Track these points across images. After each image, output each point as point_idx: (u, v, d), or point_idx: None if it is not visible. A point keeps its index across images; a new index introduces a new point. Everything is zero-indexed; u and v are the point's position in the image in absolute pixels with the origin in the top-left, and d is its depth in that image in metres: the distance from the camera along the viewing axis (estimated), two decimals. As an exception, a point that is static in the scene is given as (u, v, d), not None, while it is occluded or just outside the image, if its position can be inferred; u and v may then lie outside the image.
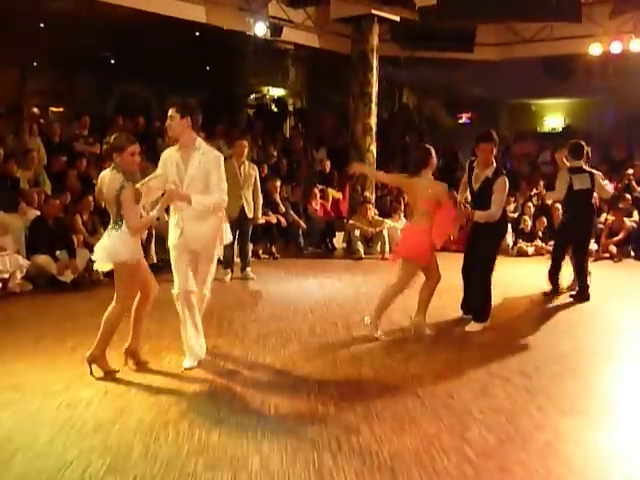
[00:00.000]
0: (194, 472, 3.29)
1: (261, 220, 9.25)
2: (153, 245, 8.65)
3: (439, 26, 9.86)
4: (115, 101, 15.26)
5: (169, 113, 4.85)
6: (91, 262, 7.83)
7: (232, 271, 8.51)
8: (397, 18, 11.10)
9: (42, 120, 11.17)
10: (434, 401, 4.29)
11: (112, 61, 15.73)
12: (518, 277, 9.05)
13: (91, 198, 8.25)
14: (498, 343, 5.78)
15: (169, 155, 4.93)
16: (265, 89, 19.00)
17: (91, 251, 7.90)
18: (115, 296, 4.71)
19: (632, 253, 10.80)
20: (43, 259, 7.73)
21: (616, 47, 11.46)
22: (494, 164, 6.07)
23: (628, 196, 11.54)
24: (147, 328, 5.15)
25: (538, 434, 3.80)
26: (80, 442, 3.62)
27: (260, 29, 10.64)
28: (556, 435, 3.79)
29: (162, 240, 8.85)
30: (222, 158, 4.94)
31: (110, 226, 4.71)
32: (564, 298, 7.60)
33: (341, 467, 3.36)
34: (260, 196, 8.58)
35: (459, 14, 8.59)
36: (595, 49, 11.72)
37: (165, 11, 10.11)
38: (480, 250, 6.19)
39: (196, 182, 4.80)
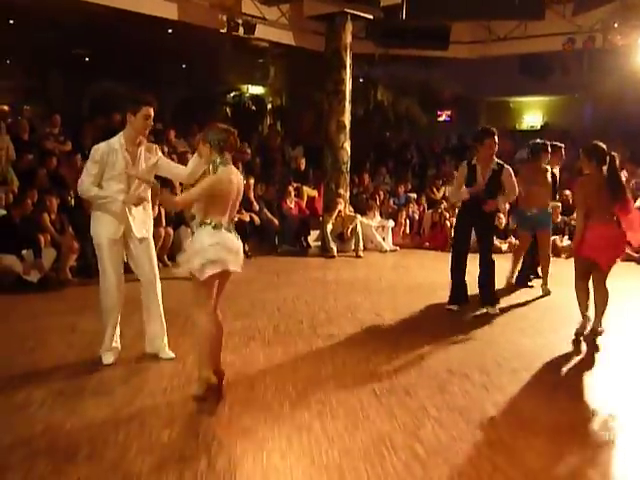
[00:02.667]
0: (139, 472, 3.26)
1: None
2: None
3: (405, 25, 9.89)
4: (90, 99, 15.12)
5: (151, 113, 4.78)
6: (57, 262, 7.90)
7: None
8: (371, 16, 11.09)
9: (11, 119, 10.99)
10: (390, 399, 4.28)
11: (86, 59, 15.61)
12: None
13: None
14: (461, 340, 5.78)
15: (116, 152, 4.77)
16: (244, 87, 18.94)
17: (58, 250, 7.95)
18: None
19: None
20: (9, 259, 7.61)
21: (588, 44, 11.52)
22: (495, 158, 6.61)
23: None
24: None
25: (490, 431, 3.80)
26: (28, 443, 3.57)
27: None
28: (508, 432, 3.79)
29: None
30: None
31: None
32: (529, 294, 7.66)
33: (289, 467, 3.34)
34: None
35: (425, 13, 8.63)
36: (568, 46, 11.76)
37: (136, 8, 10.01)
38: (487, 240, 6.73)
39: (143, 181, 4.83)
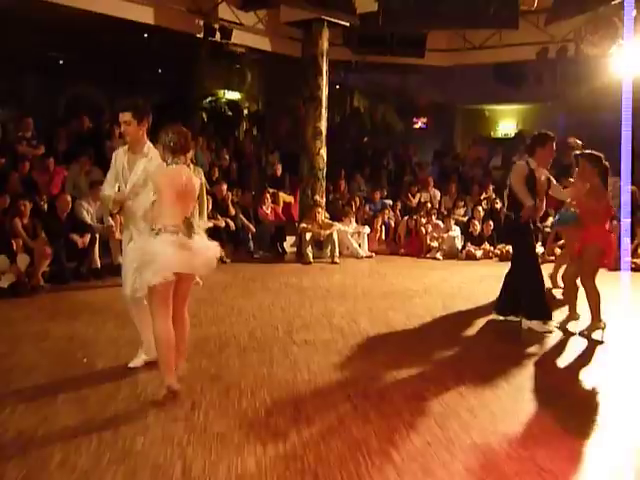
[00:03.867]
0: (113, 480, 3.23)
1: (209, 224, 9.15)
2: (97, 249, 8.52)
3: (381, 32, 9.99)
4: (65, 103, 14.98)
5: (124, 118, 4.71)
6: (30, 267, 7.80)
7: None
8: (347, 23, 11.15)
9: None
10: (365, 404, 4.28)
11: (61, 62, 15.44)
12: (465, 280, 9.14)
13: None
14: (436, 346, 5.81)
15: (119, 155, 4.85)
16: (221, 92, 18.89)
17: (30, 255, 7.84)
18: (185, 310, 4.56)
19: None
20: (-20, 264, 7.52)
21: (561, 54, 11.72)
22: None
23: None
24: (83, 334, 5.04)
25: (464, 436, 3.83)
26: (-1, 451, 3.52)
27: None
28: (482, 437, 3.82)
29: (105, 244, 8.77)
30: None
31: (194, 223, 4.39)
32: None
33: (264, 472, 3.33)
34: (206, 200, 8.49)
35: (401, 21, 8.70)
36: (541, 56, 11.96)
37: (112, 12, 9.97)
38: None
39: (137, 189, 4.75)
